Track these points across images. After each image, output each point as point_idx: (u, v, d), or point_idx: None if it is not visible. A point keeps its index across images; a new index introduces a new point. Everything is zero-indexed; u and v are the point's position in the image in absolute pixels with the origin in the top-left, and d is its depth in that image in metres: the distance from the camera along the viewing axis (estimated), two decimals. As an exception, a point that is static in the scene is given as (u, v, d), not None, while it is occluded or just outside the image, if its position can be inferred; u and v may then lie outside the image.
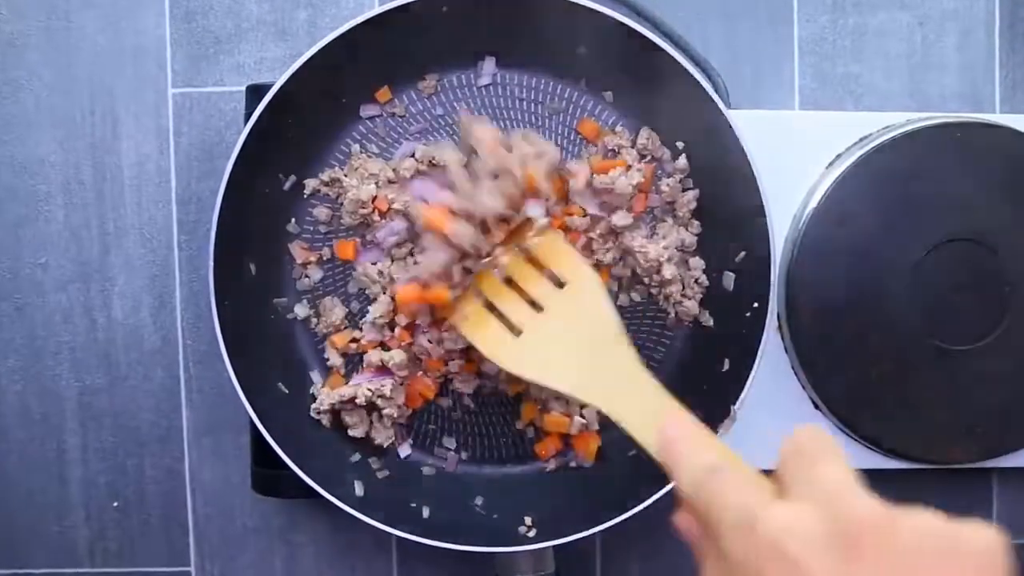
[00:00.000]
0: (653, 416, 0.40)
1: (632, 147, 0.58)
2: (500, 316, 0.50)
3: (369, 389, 0.56)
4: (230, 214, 0.54)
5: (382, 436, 0.58)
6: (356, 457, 0.58)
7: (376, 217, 0.58)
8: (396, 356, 0.57)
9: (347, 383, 0.59)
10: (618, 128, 0.59)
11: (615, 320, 0.47)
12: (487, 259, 0.51)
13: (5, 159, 0.62)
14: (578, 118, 0.59)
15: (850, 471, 0.30)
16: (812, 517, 0.29)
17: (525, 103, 0.59)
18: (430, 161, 0.58)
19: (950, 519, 0.29)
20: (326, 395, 0.57)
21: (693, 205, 0.58)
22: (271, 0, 0.62)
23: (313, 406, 0.58)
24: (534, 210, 0.51)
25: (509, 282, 0.51)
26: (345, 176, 0.58)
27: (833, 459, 0.31)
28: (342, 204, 0.58)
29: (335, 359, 0.59)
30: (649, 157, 0.59)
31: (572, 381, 0.46)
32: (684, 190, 0.58)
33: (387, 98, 0.58)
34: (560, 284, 0.50)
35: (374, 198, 0.57)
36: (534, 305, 0.50)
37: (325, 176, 0.58)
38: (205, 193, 0.62)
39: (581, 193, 0.57)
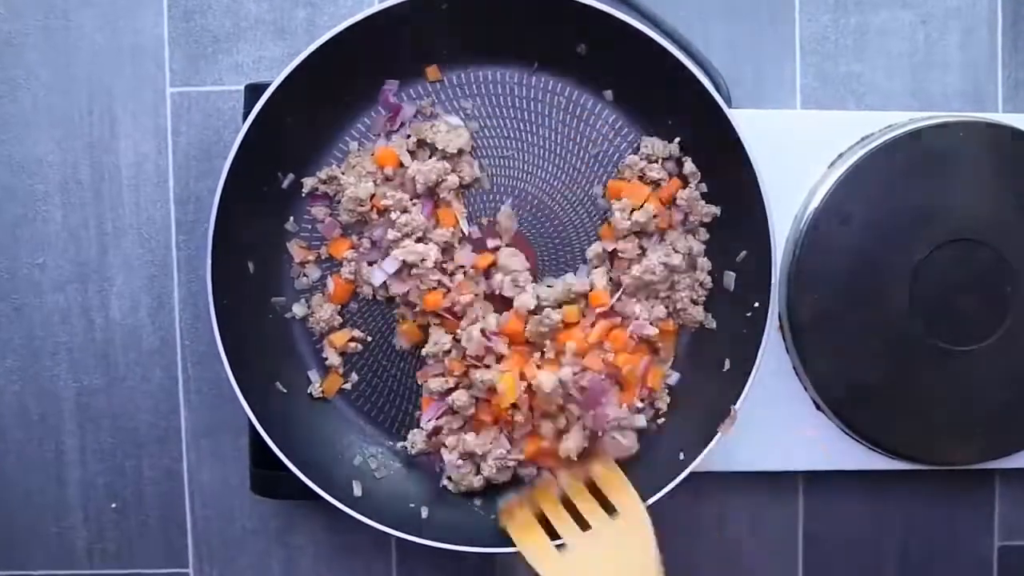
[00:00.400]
0: None
1: (658, 163, 0.58)
2: (548, 529, 0.53)
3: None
4: (228, 213, 0.54)
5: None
6: (355, 458, 0.58)
7: (374, 215, 0.57)
8: (460, 397, 0.57)
9: (345, 381, 0.59)
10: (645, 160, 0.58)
11: (657, 562, 0.49)
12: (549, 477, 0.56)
13: (3, 159, 0.62)
14: (578, 116, 0.59)
15: None
16: None
17: (525, 101, 0.59)
18: (420, 140, 0.58)
19: None
20: (418, 437, 0.58)
21: (708, 219, 0.58)
22: (270, -1, 0.62)
23: (408, 449, 0.58)
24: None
25: (564, 501, 0.54)
26: (343, 174, 0.58)
27: None
28: (339, 201, 0.58)
29: (333, 358, 0.59)
30: (659, 162, 0.58)
31: None
32: (699, 201, 0.58)
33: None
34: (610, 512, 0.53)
35: (372, 196, 0.57)
36: (582, 525, 0.53)
37: (323, 174, 0.58)
38: (203, 192, 0.62)
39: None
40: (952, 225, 0.58)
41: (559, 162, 0.59)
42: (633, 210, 0.56)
